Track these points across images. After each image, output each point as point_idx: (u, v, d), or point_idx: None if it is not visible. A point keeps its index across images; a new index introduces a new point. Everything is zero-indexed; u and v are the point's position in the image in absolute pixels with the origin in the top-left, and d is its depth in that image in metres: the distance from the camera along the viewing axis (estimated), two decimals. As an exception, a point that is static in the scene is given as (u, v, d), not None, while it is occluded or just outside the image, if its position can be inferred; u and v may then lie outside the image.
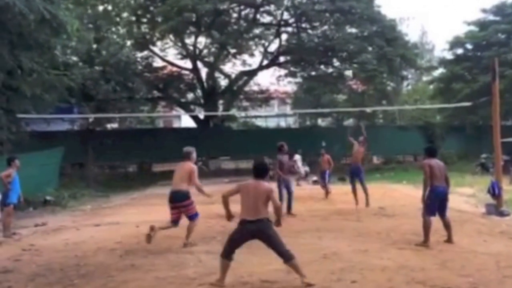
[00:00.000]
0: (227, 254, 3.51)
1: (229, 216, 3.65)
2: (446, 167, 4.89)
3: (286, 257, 3.41)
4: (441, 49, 26.39)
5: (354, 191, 7.68)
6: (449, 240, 4.75)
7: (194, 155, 5.09)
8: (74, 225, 6.93)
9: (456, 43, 17.37)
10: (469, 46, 17.41)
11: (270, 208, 3.51)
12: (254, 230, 3.43)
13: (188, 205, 4.92)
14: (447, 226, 4.76)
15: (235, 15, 16.45)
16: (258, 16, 16.68)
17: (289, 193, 6.90)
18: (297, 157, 12.07)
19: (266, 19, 17.12)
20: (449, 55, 18.22)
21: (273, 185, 5.33)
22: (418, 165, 6.25)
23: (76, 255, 4.77)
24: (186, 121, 22.20)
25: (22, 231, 6.49)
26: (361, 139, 7.95)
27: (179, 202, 4.90)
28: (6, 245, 5.56)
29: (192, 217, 4.96)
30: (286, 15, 16.84)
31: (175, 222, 4.98)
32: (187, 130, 19.22)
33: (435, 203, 4.65)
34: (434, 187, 4.63)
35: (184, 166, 4.97)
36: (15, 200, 6.14)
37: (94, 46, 12.58)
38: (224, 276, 3.51)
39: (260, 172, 3.59)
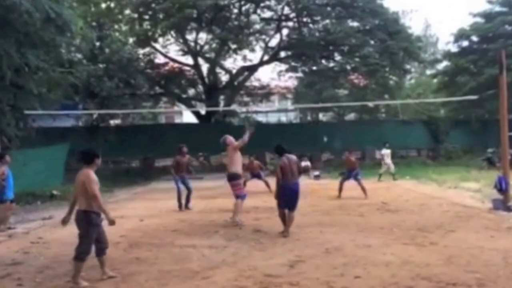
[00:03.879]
0: None
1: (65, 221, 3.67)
2: (297, 160, 5.21)
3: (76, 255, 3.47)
4: (445, 42, 25.99)
5: (341, 186, 8.36)
6: (284, 232, 5.05)
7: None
8: (80, 219, 6.99)
9: (461, 35, 17.07)
10: (474, 38, 17.09)
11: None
12: (78, 220, 3.51)
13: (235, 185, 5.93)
14: (289, 219, 5.06)
15: (235, 10, 16.33)
16: (258, 11, 16.55)
17: (188, 189, 7.52)
18: (385, 151, 11.67)
19: (267, 14, 16.98)
20: (454, 48, 17.93)
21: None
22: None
23: (83, 249, 4.81)
24: (188, 117, 22.22)
25: (30, 224, 6.56)
26: (347, 154, 8.77)
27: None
28: (16, 238, 5.64)
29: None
30: (286, 10, 16.70)
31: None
32: (189, 125, 19.23)
33: (286, 197, 5.01)
34: (284, 183, 4.98)
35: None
36: (11, 196, 6.19)
37: (97, 43, 12.59)
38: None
39: (84, 158, 3.56)
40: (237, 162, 6.02)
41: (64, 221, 3.67)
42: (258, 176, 9.76)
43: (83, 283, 3.47)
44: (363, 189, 8.09)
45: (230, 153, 6.08)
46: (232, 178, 6.04)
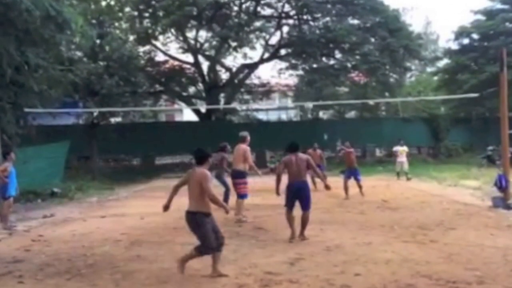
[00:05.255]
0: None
1: (166, 207, 3.69)
2: (308, 158, 4.91)
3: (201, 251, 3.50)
4: (446, 40, 25.93)
5: (346, 187, 7.98)
6: (301, 235, 4.76)
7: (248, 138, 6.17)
8: (81, 217, 7.03)
9: (462, 33, 17.02)
10: (475, 36, 17.04)
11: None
12: (188, 221, 3.53)
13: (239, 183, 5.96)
14: (303, 221, 4.78)
15: (235, 8, 16.28)
16: (258, 8, 16.50)
17: (227, 186, 7.43)
18: (397, 148, 11.16)
19: (267, 11, 16.94)
20: (454, 45, 17.89)
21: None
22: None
23: (84, 246, 4.84)
24: (188, 115, 22.21)
25: (31, 222, 6.60)
26: (347, 144, 8.39)
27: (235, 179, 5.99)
28: (16, 235, 5.67)
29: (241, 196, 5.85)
30: (287, 7, 16.65)
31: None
32: (189, 123, 19.23)
33: (291, 197, 4.79)
34: (289, 181, 4.79)
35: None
36: (13, 193, 6.23)
37: (98, 41, 12.55)
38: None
39: (198, 158, 3.60)
40: (246, 161, 6.06)
41: (165, 208, 3.68)
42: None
43: (222, 272, 3.51)
44: (360, 188, 7.91)
45: (241, 151, 6.11)
46: (237, 175, 6.02)
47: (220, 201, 3.56)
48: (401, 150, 11.18)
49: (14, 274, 3.81)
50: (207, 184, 3.41)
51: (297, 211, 4.87)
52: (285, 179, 4.87)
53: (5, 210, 6.17)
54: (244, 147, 6.16)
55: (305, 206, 4.80)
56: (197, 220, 3.46)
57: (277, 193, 4.93)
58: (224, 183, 7.24)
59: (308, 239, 4.70)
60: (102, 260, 4.19)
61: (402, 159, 11.06)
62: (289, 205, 4.82)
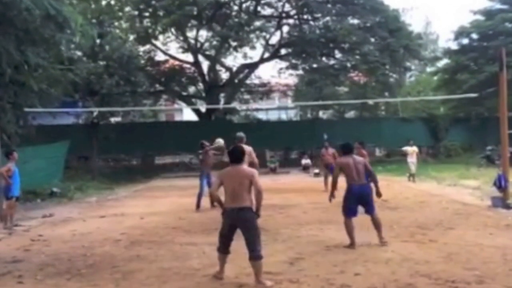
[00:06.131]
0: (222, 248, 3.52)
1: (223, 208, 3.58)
2: (365, 162, 4.57)
3: (255, 255, 3.34)
4: (445, 40, 26.00)
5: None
6: (380, 240, 4.39)
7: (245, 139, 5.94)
8: (81, 217, 7.03)
9: (461, 33, 17.03)
10: (474, 36, 17.05)
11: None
12: (241, 219, 3.39)
13: None
14: (375, 224, 4.43)
15: (236, 7, 16.30)
16: (259, 8, 16.54)
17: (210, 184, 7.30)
18: (406, 148, 10.74)
19: (267, 11, 16.98)
20: (454, 45, 17.90)
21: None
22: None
23: (83, 246, 4.85)
24: (188, 115, 22.23)
25: (30, 222, 6.59)
26: (356, 145, 7.88)
27: None
28: (16, 235, 5.66)
29: None
30: (287, 7, 16.69)
31: None
32: (189, 123, 19.25)
33: (352, 202, 4.41)
34: (349, 186, 4.42)
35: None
36: (17, 193, 6.21)
37: (97, 41, 12.54)
38: (222, 269, 3.54)
39: (239, 156, 3.51)
40: (246, 161, 6.03)
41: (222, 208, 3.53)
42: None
43: (268, 282, 3.31)
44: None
45: (247, 152, 6.01)
46: None
47: (260, 202, 3.38)
48: (411, 150, 10.88)
49: (14, 274, 3.81)
50: (258, 181, 3.34)
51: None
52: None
53: (5, 210, 6.17)
54: (249, 147, 5.97)
55: (371, 209, 4.43)
56: (253, 216, 3.35)
57: (330, 199, 4.52)
58: (201, 186, 7.17)
59: (388, 241, 4.39)
60: (102, 260, 4.19)
61: (412, 159, 10.74)
62: (351, 212, 4.37)
